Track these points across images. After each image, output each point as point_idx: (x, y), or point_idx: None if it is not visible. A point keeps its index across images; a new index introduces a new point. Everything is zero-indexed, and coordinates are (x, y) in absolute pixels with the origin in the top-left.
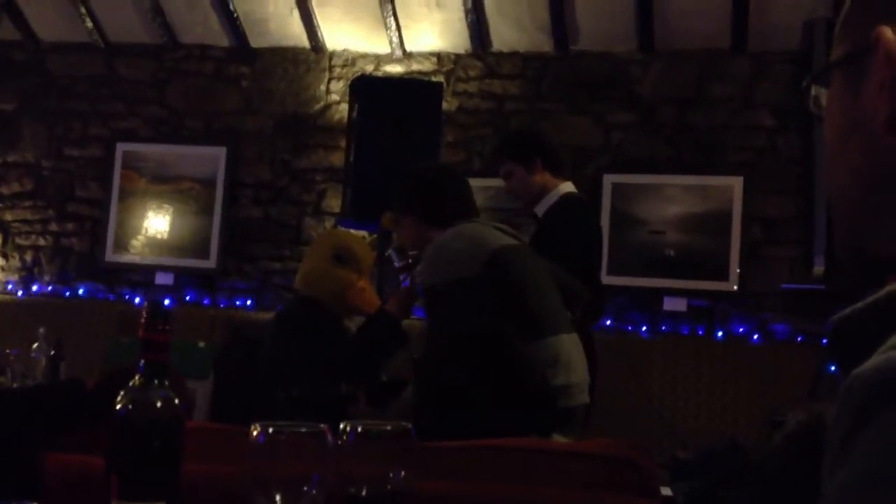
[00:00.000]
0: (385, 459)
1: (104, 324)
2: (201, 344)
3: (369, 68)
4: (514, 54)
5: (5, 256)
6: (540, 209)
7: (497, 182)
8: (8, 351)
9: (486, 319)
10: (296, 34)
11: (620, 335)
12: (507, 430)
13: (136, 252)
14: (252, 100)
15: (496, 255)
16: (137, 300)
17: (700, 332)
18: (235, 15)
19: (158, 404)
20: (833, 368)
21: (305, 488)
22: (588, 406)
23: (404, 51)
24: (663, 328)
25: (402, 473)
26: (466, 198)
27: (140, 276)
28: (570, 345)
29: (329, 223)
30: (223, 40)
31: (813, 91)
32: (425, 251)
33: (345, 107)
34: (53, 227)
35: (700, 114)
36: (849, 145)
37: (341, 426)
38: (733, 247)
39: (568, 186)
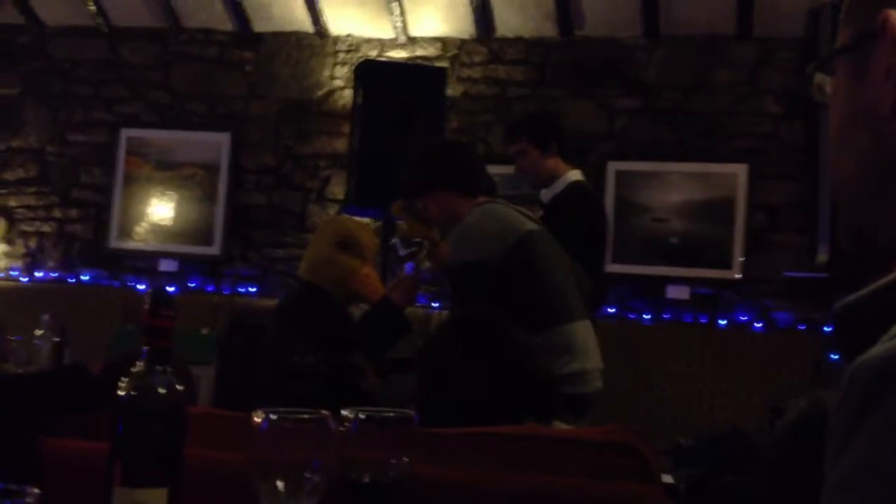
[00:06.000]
0: (387, 445)
1: (108, 310)
2: (205, 330)
3: (373, 53)
4: (518, 40)
5: (10, 242)
6: (546, 195)
7: (500, 169)
8: (12, 337)
9: (483, 306)
10: (300, 19)
11: (623, 323)
12: (505, 416)
13: (140, 238)
14: (256, 85)
15: (523, 239)
16: (141, 287)
17: (703, 320)
18: None
19: (161, 390)
20: (835, 356)
21: (308, 474)
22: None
23: (408, 36)
24: (666, 316)
25: (405, 459)
26: (484, 168)
27: (144, 262)
28: (584, 331)
29: (333, 210)
30: (227, 24)
31: (817, 79)
32: (453, 231)
33: (349, 92)
34: (57, 213)
35: (704, 100)
36: (854, 132)
37: (343, 412)
38: (737, 234)
39: (576, 174)
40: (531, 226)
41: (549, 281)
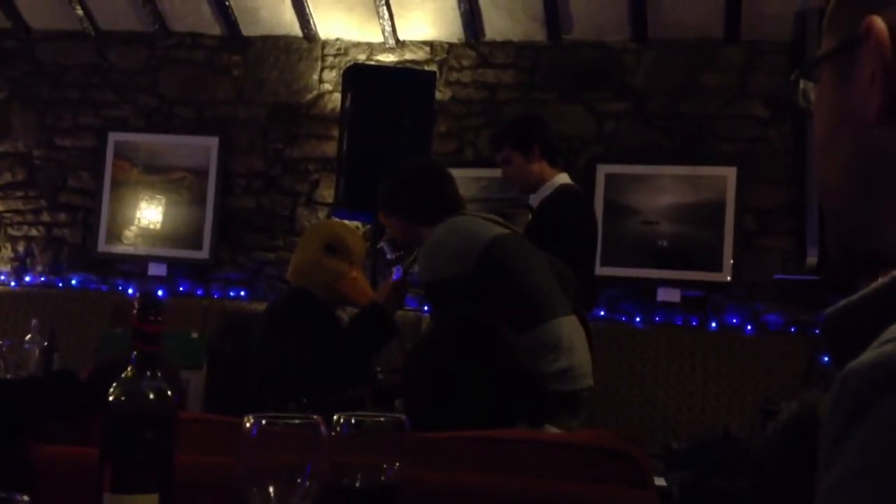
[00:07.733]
0: (378, 450)
1: (97, 315)
2: (194, 335)
3: (362, 57)
4: (507, 43)
5: None
6: (534, 199)
7: (489, 172)
8: (0, 342)
9: (471, 310)
10: (288, 22)
11: (614, 325)
12: (495, 419)
13: (129, 243)
14: (244, 89)
15: (489, 247)
16: (130, 291)
17: (694, 323)
18: (227, 3)
19: (151, 395)
20: (826, 359)
21: (299, 479)
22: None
23: (397, 40)
24: (657, 319)
25: (396, 464)
26: (450, 193)
27: (133, 266)
28: (570, 327)
29: (322, 213)
30: (215, 28)
31: (801, 85)
32: (420, 249)
33: (337, 96)
34: (45, 217)
35: (693, 104)
36: (839, 137)
37: (335, 417)
38: (727, 237)
39: (564, 178)
40: (498, 231)
41: (527, 282)
